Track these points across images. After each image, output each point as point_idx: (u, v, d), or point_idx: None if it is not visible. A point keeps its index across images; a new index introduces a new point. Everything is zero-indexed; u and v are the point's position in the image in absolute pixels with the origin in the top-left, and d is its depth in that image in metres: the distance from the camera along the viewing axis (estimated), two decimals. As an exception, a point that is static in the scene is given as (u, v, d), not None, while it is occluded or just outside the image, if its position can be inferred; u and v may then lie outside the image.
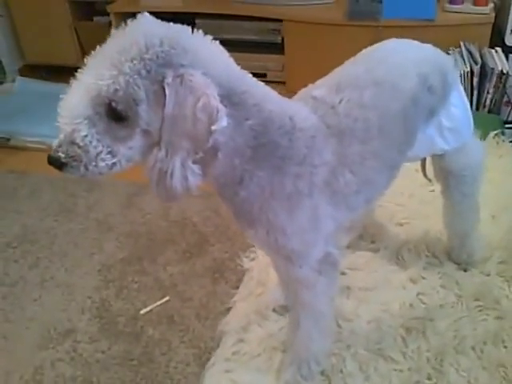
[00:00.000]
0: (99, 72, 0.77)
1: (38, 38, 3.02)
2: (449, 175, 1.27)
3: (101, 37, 0.87)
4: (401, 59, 1.10)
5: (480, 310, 1.30)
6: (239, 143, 0.88)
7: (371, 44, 1.17)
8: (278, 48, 2.58)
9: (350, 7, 2.22)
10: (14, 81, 2.98)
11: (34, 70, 3.11)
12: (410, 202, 1.67)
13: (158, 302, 1.56)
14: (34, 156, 2.33)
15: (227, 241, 1.77)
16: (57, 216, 1.99)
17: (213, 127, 0.78)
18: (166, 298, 1.57)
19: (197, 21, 2.64)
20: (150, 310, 1.54)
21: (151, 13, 0.84)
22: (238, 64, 0.89)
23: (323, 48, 2.36)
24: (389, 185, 1.14)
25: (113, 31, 0.82)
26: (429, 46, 1.16)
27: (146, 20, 0.83)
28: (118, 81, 0.76)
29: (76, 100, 0.78)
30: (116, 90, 0.76)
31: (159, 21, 0.83)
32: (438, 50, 1.18)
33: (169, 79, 0.77)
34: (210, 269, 1.67)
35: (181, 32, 0.82)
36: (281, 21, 2.47)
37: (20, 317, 1.56)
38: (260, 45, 2.63)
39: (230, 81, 0.84)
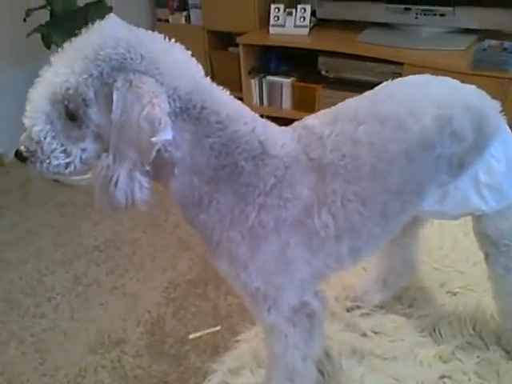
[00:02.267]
0: (56, 69, 0.77)
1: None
2: (487, 241, 1.07)
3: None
4: (416, 96, 0.96)
5: (515, 414, 1.06)
6: (198, 161, 0.83)
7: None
8: (397, 92, 2.46)
9: (476, 56, 2.05)
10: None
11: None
12: (473, 270, 1.44)
13: (209, 330, 1.54)
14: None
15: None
16: (146, 228, 2.08)
17: (153, 139, 0.75)
18: (217, 328, 1.54)
19: (319, 58, 2.63)
20: (199, 337, 1.52)
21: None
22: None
23: (443, 96, 2.20)
24: (386, 238, 0.99)
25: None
26: (470, 86, 1.00)
27: (110, 21, 0.81)
28: (69, 79, 0.75)
29: (37, 95, 0.79)
30: (67, 89, 0.76)
31: (125, 24, 0.81)
32: (482, 93, 1.01)
33: (118, 83, 0.75)
34: (268, 307, 1.61)
35: (143, 38, 0.80)
36: (402, 64, 2.37)
37: (84, 317, 1.63)
38: (379, 87, 2.53)
39: (191, 94, 0.80)
